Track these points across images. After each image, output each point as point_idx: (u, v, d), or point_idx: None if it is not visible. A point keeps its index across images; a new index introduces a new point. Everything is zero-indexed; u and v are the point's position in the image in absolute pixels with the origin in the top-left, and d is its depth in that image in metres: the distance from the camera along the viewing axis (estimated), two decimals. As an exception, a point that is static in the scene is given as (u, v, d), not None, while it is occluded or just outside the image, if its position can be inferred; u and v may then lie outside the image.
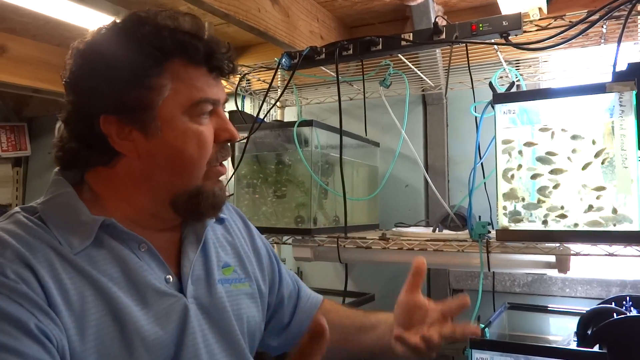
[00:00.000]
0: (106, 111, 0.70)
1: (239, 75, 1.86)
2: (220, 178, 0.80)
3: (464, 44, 1.34)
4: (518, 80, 1.53)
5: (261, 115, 1.64)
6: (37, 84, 2.27)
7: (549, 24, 1.27)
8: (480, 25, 1.25)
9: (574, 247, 1.16)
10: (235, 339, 0.80)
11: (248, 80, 2.01)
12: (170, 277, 0.75)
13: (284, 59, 1.46)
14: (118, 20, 0.73)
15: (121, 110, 0.70)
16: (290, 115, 2.22)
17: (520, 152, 1.19)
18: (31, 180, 3.03)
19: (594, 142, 1.12)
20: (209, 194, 0.76)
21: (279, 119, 2.17)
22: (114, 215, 0.73)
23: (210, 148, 0.75)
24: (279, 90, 1.93)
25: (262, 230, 1.56)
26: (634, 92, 1.08)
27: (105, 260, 0.69)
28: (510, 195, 1.20)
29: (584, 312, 1.26)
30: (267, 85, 1.58)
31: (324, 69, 1.58)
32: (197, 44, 0.72)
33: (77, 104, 0.72)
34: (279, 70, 1.51)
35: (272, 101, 1.97)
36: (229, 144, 0.79)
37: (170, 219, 0.78)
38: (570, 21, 1.21)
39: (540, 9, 1.46)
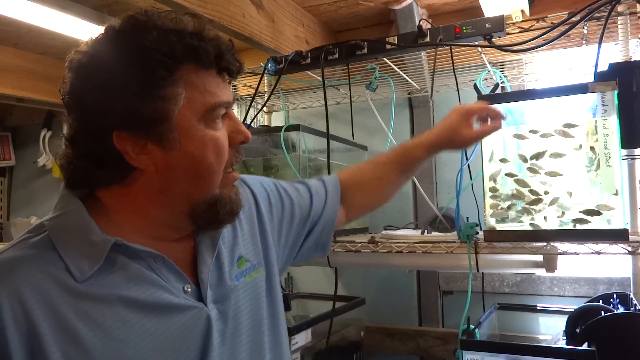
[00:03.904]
0: (119, 127, 0.65)
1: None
2: (235, 183, 0.78)
3: (449, 47, 1.35)
4: (502, 82, 1.54)
5: (248, 121, 1.63)
6: (20, 93, 2.25)
7: (531, 26, 1.28)
8: (464, 27, 1.26)
9: (561, 246, 1.17)
10: (258, 335, 0.79)
11: (234, 85, 2.01)
12: (189, 286, 0.72)
13: (269, 64, 1.46)
14: (116, 26, 0.67)
15: (135, 124, 0.65)
16: (277, 120, 2.22)
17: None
18: (16, 191, 2.99)
19: (580, 147, 1.14)
20: (226, 201, 0.73)
21: (266, 124, 2.17)
22: (127, 228, 0.70)
23: (227, 153, 0.72)
24: (265, 95, 1.93)
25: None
26: (616, 92, 1.10)
27: (119, 282, 0.66)
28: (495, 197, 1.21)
29: (572, 310, 1.27)
30: (253, 91, 1.58)
31: (310, 73, 1.58)
32: (206, 46, 0.67)
33: (84, 122, 0.67)
34: (265, 75, 1.51)
35: (259, 106, 1.96)
36: (241, 146, 0.77)
37: (186, 228, 0.76)
38: (552, 23, 1.23)
39: (522, 11, 1.48)
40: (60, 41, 2.03)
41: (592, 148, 1.13)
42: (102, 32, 0.68)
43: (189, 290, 0.72)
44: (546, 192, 1.17)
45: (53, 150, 2.74)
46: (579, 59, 1.60)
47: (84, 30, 1.61)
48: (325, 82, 1.44)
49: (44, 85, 2.32)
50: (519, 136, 1.19)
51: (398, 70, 1.60)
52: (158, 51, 0.64)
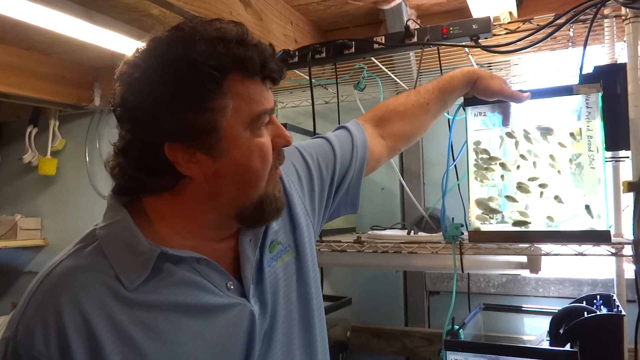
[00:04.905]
0: (170, 139, 0.67)
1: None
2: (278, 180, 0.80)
3: (436, 47, 1.35)
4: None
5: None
6: (6, 89, 2.22)
7: (518, 28, 1.29)
8: (451, 28, 1.26)
9: (545, 247, 1.17)
10: (290, 319, 0.81)
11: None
12: (231, 282, 0.75)
13: (257, 63, 1.45)
14: (163, 37, 0.68)
15: (186, 136, 0.67)
16: (265, 119, 2.20)
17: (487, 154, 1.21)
18: (2, 188, 2.95)
19: (561, 145, 1.14)
20: (272, 199, 0.76)
21: (254, 123, 2.15)
22: (174, 232, 0.73)
23: (271, 158, 0.74)
24: (253, 94, 1.92)
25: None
26: (600, 94, 1.11)
27: (166, 288, 0.69)
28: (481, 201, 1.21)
29: (556, 311, 1.28)
30: (240, 89, 1.57)
31: (297, 72, 1.57)
32: (252, 55, 0.69)
33: (136, 134, 0.70)
34: (252, 73, 1.50)
35: (247, 105, 1.95)
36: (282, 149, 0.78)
37: (232, 228, 0.78)
38: (538, 24, 1.23)
39: (510, 13, 1.49)
40: (47, 36, 2.01)
41: (573, 136, 1.13)
42: (149, 42, 0.69)
43: (232, 287, 0.74)
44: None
45: (39, 147, 2.71)
46: (565, 61, 1.61)
47: (71, 26, 1.60)
48: (314, 81, 1.44)
49: (30, 81, 2.29)
50: (510, 135, 1.19)
51: (386, 70, 1.60)
52: (207, 65, 0.65)
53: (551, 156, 1.15)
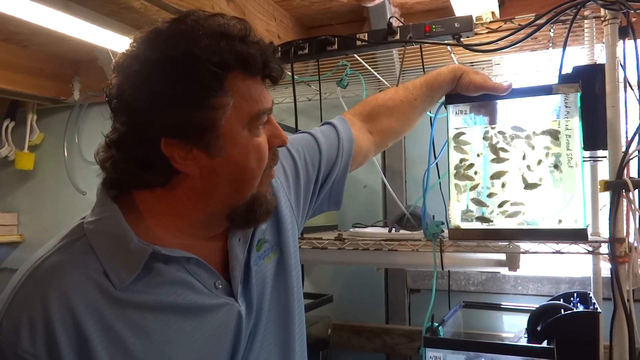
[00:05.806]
0: (167, 134, 0.66)
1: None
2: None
3: (419, 45, 1.36)
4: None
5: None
6: (-19, 81, 2.18)
7: (499, 27, 1.29)
8: (434, 26, 1.27)
9: (524, 245, 1.18)
10: (271, 317, 0.81)
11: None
12: (220, 282, 0.74)
13: (239, 58, 1.44)
14: (164, 29, 0.66)
15: (184, 133, 0.66)
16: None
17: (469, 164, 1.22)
18: (-23, 182, 2.90)
19: (530, 140, 1.15)
20: (263, 200, 0.75)
21: (236, 119, 2.13)
22: (165, 229, 0.71)
23: (267, 158, 0.73)
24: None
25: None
26: (579, 94, 1.12)
27: (156, 288, 0.68)
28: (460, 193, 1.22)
29: (534, 309, 1.29)
30: (222, 84, 1.55)
31: (280, 68, 1.56)
32: (254, 53, 0.67)
33: (132, 127, 0.68)
34: (234, 69, 1.49)
35: (230, 101, 1.94)
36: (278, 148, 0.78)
37: (222, 227, 0.77)
38: (519, 24, 1.24)
39: (493, 13, 1.50)
40: (25, 28, 1.97)
41: (551, 134, 1.15)
42: (150, 33, 0.67)
43: (220, 286, 0.74)
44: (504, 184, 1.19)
45: (16, 141, 2.66)
46: (546, 62, 1.62)
47: (49, 18, 1.56)
48: (296, 77, 1.43)
49: (7, 73, 2.24)
50: (485, 138, 1.20)
51: (369, 67, 1.60)
52: (209, 61, 0.64)
53: (530, 144, 1.16)
